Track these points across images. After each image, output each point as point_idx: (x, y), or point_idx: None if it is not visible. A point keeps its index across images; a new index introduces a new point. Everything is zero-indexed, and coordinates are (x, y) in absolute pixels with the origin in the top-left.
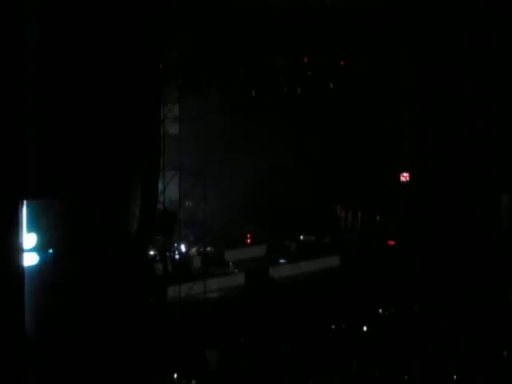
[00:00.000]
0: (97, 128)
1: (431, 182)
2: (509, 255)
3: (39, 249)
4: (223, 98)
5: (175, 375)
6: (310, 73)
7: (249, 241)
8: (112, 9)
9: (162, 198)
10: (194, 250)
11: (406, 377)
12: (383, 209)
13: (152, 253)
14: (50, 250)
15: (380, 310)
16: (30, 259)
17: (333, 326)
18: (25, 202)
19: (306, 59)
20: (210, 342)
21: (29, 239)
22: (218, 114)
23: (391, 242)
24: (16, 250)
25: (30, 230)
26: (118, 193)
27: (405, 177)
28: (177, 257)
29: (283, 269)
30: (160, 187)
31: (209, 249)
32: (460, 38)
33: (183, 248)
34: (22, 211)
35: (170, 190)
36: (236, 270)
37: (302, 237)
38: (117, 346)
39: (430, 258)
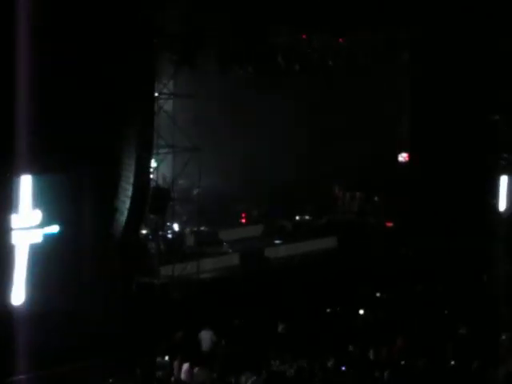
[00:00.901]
0: (91, 103)
1: (431, 164)
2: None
3: (44, 225)
4: (220, 73)
5: (167, 357)
6: (308, 50)
7: (244, 220)
8: None
9: (155, 176)
10: (187, 229)
11: (403, 362)
12: (382, 189)
13: (145, 232)
14: (55, 227)
15: (377, 294)
16: (34, 236)
17: (328, 310)
18: (29, 177)
19: (304, 37)
20: (204, 324)
21: (34, 216)
22: (214, 91)
23: (389, 224)
24: (3, 229)
25: (35, 206)
26: (110, 169)
27: (404, 157)
28: (170, 236)
29: (279, 249)
30: (153, 165)
31: (203, 228)
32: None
33: (176, 227)
34: (15, 188)
35: (163, 167)
36: (230, 250)
37: (297, 217)
38: (112, 325)
39: (428, 240)
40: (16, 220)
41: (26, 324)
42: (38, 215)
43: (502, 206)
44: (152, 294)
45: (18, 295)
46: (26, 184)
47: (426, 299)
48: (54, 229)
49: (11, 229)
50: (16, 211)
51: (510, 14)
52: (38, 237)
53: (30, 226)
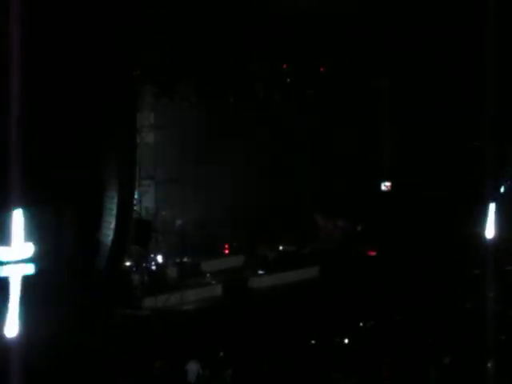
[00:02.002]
0: (72, 136)
1: (414, 192)
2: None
3: (35, 259)
4: (199, 104)
5: None
6: (288, 79)
7: (227, 251)
8: (87, 18)
9: (138, 208)
10: (170, 261)
11: None
12: (364, 218)
13: (128, 263)
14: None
15: (360, 324)
16: (26, 269)
17: (312, 341)
18: (20, 211)
19: (285, 66)
20: (189, 355)
21: (27, 248)
22: (194, 122)
23: (372, 252)
24: None
25: (28, 239)
26: (93, 202)
27: (386, 186)
28: (153, 267)
29: (262, 280)
30: (136, 197)
31: (185, 259)
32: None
33: (160, 258)
34: (8, 221)
35: (146, 199)
36: (213, 281)
37: (281, 247)
38: (95, 358)
39: (410, 269)
40: (9, 253)
41: (19, 355)
42: (30, 248)
43: (489, 233)
44: (135, 326)
45: (12, 327)
46: (17, 217)
47: (409, 328)
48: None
49: (5, 262)
50: (9, 244)
51: None
52: (30, 269)
53: (22, 258)
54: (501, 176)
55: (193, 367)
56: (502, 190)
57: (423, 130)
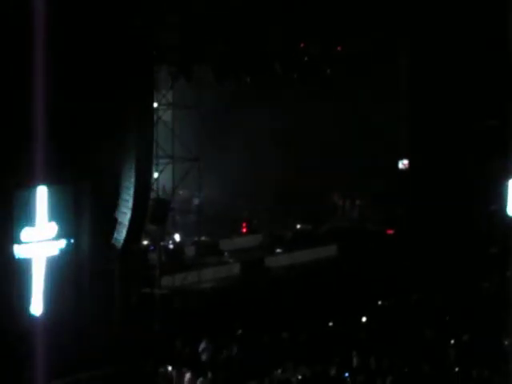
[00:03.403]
0: (91, 116)
1: (431, 170)
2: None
3: (60, 238)
4: (218, 84)
5: (169, 367)
6: (306, 58)
7: (244, 230)
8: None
9: (155, 187)
10: (188, 240)
11: (406, 369)
12: (382, 196)
13: (145, 242)
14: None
15: (379, 302)
16: (51, 249)
17: (330, 322)
18: (44, 190)
19: (302, 45)
20: (205, 333)
21: (50, 228)
22: (213, 100)
23: (390, 231)
24: (6, 243)
25: (51, 218)
26: (110, 181)
27: (404, 164)
28: (170, 246)
29: (279, 258)
30: (154, 175)
31: (203, 238)
32: (459, 25)
33: (177, 237)
34: (32, 201)
35: (163, 178)
36: (231, 260)
37: (298, 226)
38: (114, 335)
39: (427, 248)
40: (33, 233)
41: (44, 334)
42: (53, 228)
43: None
44: (153, 305)
45: (37, 307)
46: (41, 196)
47: (426, 307)
48: (63, 242)
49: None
50: (32, 224)
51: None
52: (53, 249)
53: (46, 238)
54: None
55: (207, 346)
56: None
57: (441, 108)
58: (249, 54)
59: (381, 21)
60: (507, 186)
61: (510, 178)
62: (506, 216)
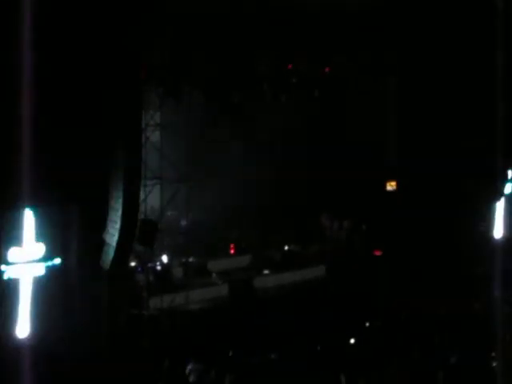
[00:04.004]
0: (79, 137)
1: (419, 192)
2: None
3: (47, 259)
4: (206, 105)
5: None
6: (294, 80)
7: (232, 251)
8: (94, 16)
9: (143, 208)
10: (176, 261)
11: None
12: (370, 218)
13: (133, 264)
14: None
15: (366, 324)
16: (38, 270)
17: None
18: (31, 211)
19: (290, 66)
20: (193, 355)
21: (37, 249)
22: (201, 122)
23: (377, 252)
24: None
25: (39, 239)
26: (98, 202)
27: (392, 186)
28: (158, 268)
29: (267, 279)
30: (141, 196)
31: (191, 259)
32: (448, 45)
33: (165, 259)
34: (19, 221)
35: (151, 199)
36: (219, 281)
37: (286, 246)
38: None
39: (415, 269)
40: (20, 253)
41: (30, 355)
42: (41, 248)
43: (497, 232)
44: (141, 326)
45: (23, 328)
46: (28, 217)
47: (415, 328)
48: (51, 263)
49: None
50: (20, 244)
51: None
52: (41, 270)
53: (33, 259)
54: (506, 175)
55: (196, 368)
56: (508, 189)
57: (429, 129)
58: (237, 75)
59: (368, 41)
60: (495, 207)
61: (497, 200)
62: (493, 237)
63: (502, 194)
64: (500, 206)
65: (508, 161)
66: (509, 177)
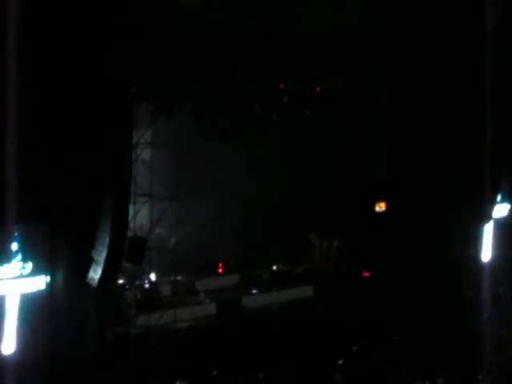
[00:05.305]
0: (68, 152)
1: (408, 213)
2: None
3: (35, 275)
4: (196, 124)
5: None
6: (285, 99)
7: (221, 270)
8: (84, 34)
9: (132, 225)
10: (164, 279)
11: None
12: (359, 239)
13: (121, 281)
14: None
15: (354, 347)
16: (25, 286)
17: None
18: (21, 226)
19: (282, 86)
20: (181, 373)
21: (25, 265)
22: (191, 140)
23: (366, 273)
24: None
25: (27, 255)
26: (87, 219)
27: (381, 207)
28: (146, 285)
29: (255, 299)
30: (131, 213)
31: (179, 277)
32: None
33: (153, 276)
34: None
35: (140, 216)
36: (207, 300)
37: (275, 266)
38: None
39: (403, 291)
40: (7, 270)
41: (16, 372)
42: (28, 265)
43: (485, 255)
44: (128, 344)
45: (9, 345)
46: (16, 234)
47: (402, 350)
48: (39, 279)
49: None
50: (7, 261)
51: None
52: (28, 287)
53: (20, 275)
54: (495, 199)
55: None
56: (497, 212)
57: (418, 151)
58: (228, 94)
59: (359, 61)
60: (482, 230)
61: (485, 223)
62: (481, 261)
63: (490, 217)
64: (488, 230)
65: (496, 184)
66: (497, 200)
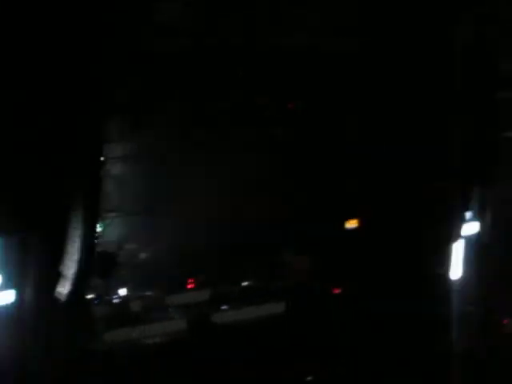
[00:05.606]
0: (36, 166)
1: (379, 232)
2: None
3: (3, 289)
4: (169, 138)
5: None
6: (257, 115)
7: (191, 285)
8: (55, 46)
9: (102, 240)
10: (134, 294)
11: None
12: (330, 255)
13: (90, 296)
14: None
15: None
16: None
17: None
18: None
19: (255, 101)
20: None
21: None
22: (163, 154)
23: (336, 290)
24: None
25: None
26: (55, 234)
27: (352, 224)
28: (116, 301)
29: (226, 315)
30: (100, 229)
31: (149, 293)
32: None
33: (122, 292)
34: None
35: (110, 231)
36: (177, 316)
37: (246, 282)
38: None
39: (374, 308)
40: None
41: None
42: None
43: (454, 274)
44: (97, 359)
45: None
46: None
47: (372, 366)
48: (7, 294)
49: None
50: None
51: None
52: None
53: None
54: (464, 216)
55: None
56: (466, 231)
57: (390, 170)
58: (200, 109)
59: (329, 78)
60: (452, 249)
61: (454, 242)
62: (449, 279)
63: (459, 235)
64: (457, 248)
65: (465, 202)
66: (466, 218)
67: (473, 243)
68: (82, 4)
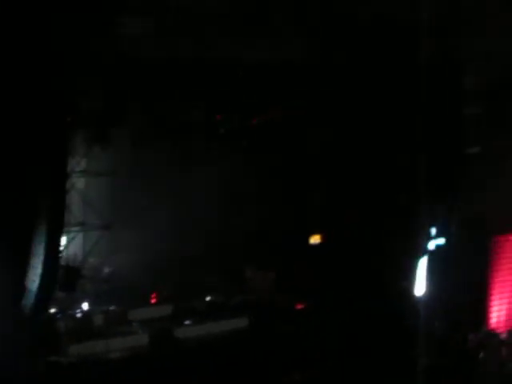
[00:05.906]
0: (0, 179)
1: (344, 245)
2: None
3: None
4: (133, 152)
5: None
6: (222, 130)
7: (154, 300)
8: (20, 58)
9: (65, 254)
10: (97, 308)
11: None
12: (294, 270)
13: (53, 310)
14: None
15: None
16: None
17: None
18: None
19: (219, 117)
20: None
21: None
22: (127, 168)
23: (299, 306)
24: None
25: None
26: (19, 248)
27: (315, 239)
28: (79, 315)
29: (189, 330)
30: (64, 243)
31: (112, 307)
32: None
33: (86, 306)
34: None
35: (74, 245)
36: (140, 330)
37: (209, 297)
38: None
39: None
40: None
41: None
42: None
43: (419, 288)
44: (60, 373)
45: None
46: None
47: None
48: None
49: None
50: None
51: None
52: None
53: None
54: (430, 231)
55: None
56: (432, 245)
57: (359, 183)
58: (166, 123)
59: (298, 91)
60: (417, 264)
61: (420, 257)
62: (415, 294)
63: (425, 250)
64: (422, 263)
65: (431, 217)
66: (431, 234)
67: (438, 257)
68: (46, 20)
